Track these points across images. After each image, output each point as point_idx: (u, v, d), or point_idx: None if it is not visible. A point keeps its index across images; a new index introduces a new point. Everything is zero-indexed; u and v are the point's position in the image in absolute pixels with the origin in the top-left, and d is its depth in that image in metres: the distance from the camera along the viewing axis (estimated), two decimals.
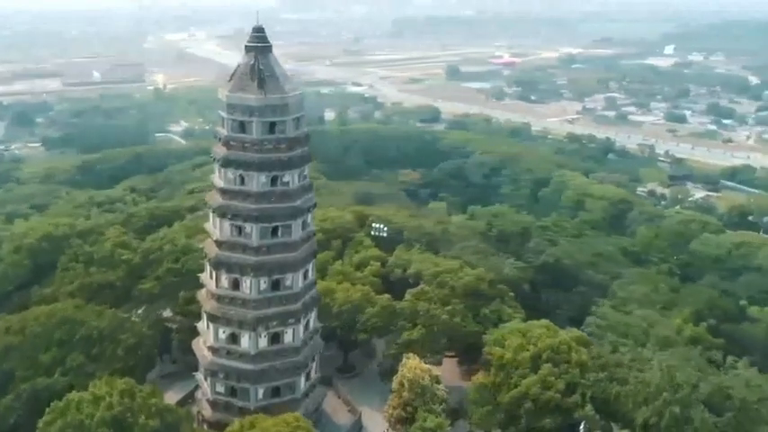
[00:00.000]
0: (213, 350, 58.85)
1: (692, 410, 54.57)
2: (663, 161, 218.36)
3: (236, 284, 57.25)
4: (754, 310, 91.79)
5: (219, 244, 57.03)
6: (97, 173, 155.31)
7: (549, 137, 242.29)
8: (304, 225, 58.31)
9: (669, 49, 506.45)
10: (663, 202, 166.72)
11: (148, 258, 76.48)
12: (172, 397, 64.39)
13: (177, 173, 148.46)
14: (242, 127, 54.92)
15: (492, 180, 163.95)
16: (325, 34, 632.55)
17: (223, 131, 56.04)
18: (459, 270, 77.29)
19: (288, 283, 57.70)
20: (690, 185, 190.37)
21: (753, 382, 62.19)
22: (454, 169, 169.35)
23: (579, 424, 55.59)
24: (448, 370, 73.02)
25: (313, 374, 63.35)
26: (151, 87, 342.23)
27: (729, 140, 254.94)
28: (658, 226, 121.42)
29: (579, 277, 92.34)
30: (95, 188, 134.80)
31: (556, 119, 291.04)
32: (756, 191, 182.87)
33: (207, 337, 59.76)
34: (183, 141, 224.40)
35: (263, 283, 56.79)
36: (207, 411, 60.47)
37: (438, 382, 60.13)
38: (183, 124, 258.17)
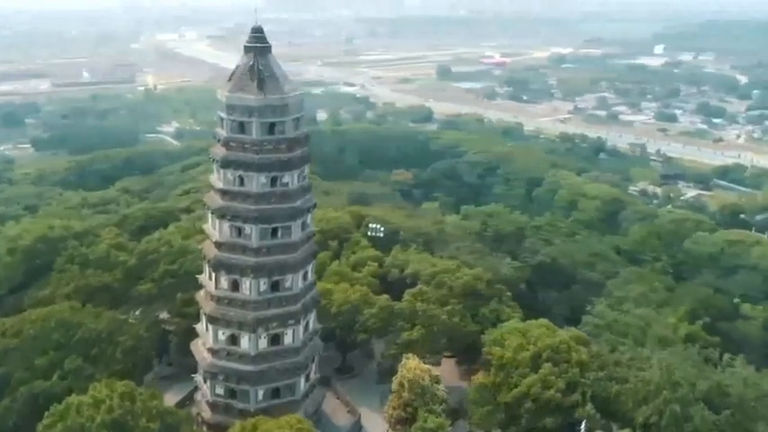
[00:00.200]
0: (213, 352, 58.52)
1: (692, 409, 54.87)
2: (654, 160, 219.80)
3: (235, 286, 56.97)
4: (747, 308, 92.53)
5: (219, 245, 56.76)
6: (89, 174, 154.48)
7: (542, 136, 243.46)
8: (304, 226, 58.15)
9: (659, 49, 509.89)
10: (655, 201, 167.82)
11: (145, 260, 75.91)
12: (170, 399, 63.86)
13: (170, 174, 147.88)
14: (241, 127, 54.66)
15: (485, 180, 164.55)
16: (316, 34, 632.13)
17: (222, 132, 55.76)
18: (457, 270, 77.26)
19: (288, 284, 57.49)
20: (681, 184, 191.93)
21: (750, 379, 62.57)
22: (447, 169, 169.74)
23: (579, 423, 55.67)
24: (446, 370, 72.94)
25: (312, 375, 63.21)
26: (141, 88, 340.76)
27: (720, 139, 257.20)
28: (652, 225, 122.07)
29: (575, 276, 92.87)
30: (88, 189, 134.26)
31: (548, 118, 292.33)
32: (747, 189, 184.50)
33: (206, 339, 59.44)
34: (174, 142, 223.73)
35: (263, 285, 56.55)
36: (206, 413, 60.17)
37: (438, 382, 60.01)
38: (175, 125, 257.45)
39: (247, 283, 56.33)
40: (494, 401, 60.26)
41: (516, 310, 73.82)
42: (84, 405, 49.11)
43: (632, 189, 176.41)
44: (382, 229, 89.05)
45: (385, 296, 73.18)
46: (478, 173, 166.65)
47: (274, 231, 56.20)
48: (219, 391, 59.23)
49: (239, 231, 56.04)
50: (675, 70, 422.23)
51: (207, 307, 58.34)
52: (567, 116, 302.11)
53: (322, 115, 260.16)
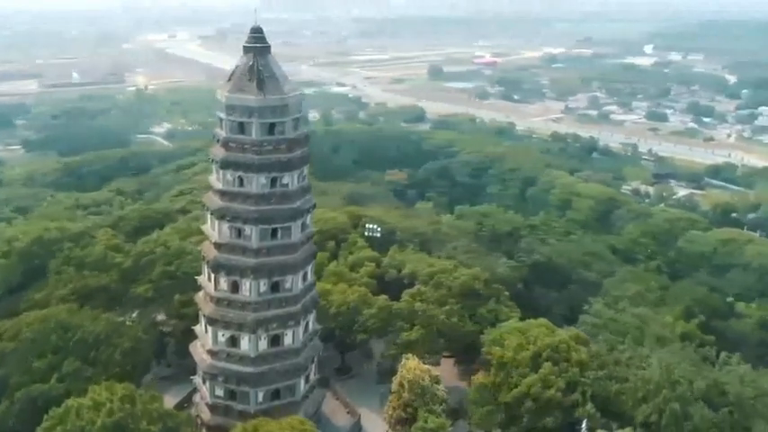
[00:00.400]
0: (212, 353, 58.25)
1: (692, 407, 55.15)
2: (646, 160, 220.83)
3: (235, 287, 56.75)
4: (741, 307, 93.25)
5: (218, 246, 56.52)
6: (81, 175, 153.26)
7: (534, 136, 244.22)
8: (303, 226, 58.01)
9: (648, 49, 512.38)
10: (647, 200, 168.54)
11: (141, 261, 75.51)
12: (168, 401, 63.33)
13: (163, 174, 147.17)
14: (241, 128, 54.45)
15: (479, 180, 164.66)
16: (308, 34, 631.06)
17: (222, 133, 55.51)
18: (454, 270, 77.36)
19: (287, 285, 57.33)
20: (673, 183, 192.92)
21: (747, 377, 63.01)
22: (441, 169, 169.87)
23: (579, 423, 55.81)
24: (445, 370, 72.83)
25: (312, 377, 63.07)
26: (132, 88, 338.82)
27: (711, 139, 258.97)
28: (646, 224, 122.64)
29: (571, 276, 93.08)
30: (80, 191, 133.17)
31: (540, 118, 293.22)
32: (739, 188, 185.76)
33: (205, 341, 59.16)
34: (165, 143, 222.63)
35: (263, 286, 56.37)
36: (206, 415, 59.89)
37: (438, 382, 60.03)
38: (166, 125, 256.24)
39: (247, 284, 56.12)
40: (494, 401, 60.33)
41: (514, 310, 73.94)
42: (83, 408, 48.90)
43: (625, 188, 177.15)
44: (379, 229, 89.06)
45: (384, 296, 73.11)
46: (472, 173, 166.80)
47: (274, 232, 56.03)
48: (219, 392, 58.99)
49: (239, 232, 55.81)
50: (665, 70, 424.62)
51: (206, 308, 58.08)
52: (558, 116, 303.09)
53: (314, 115, 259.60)
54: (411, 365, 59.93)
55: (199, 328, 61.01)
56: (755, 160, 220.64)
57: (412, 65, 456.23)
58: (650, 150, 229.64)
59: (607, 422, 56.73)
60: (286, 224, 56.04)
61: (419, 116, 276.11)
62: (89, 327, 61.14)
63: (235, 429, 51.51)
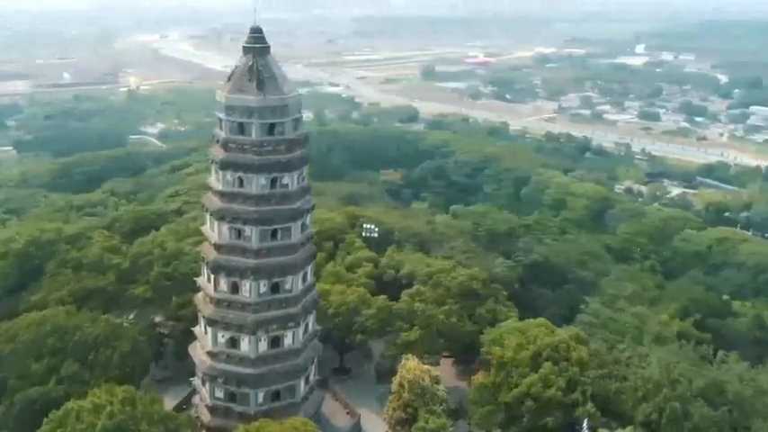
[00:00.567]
0: (212, 355, 58.04)
1: (691, 406, 55.33)
2: (639, 159, 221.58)
3: (235, 288, 56.57)
4: (737, 305, 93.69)
5: (218, 247, 56.31)
6: (74, 176, 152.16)
7: (528, 136, 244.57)
8: (303, 227, 57.89)
9: (640, 48, 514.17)
10: (640, 199, 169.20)
11: (138, 263, 75.31)
12: (167, 403, 62.88)
13: (157, 175, 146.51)
14: (241, 128, 54.27)
15: (473, 179, 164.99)
16: (300, 34, 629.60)
17: (221, 133, 55.30)
18: (452, 270, 77.39)
19: (287, 285, 57.20)
20: (666, 182, 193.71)
21: (745, 376, 63.36)
22: (435, 169, 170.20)
23: (579, 422, 55.92)
24: (444, 370, 72.80)
25: (312, 377, 62.94)
26: (124, 89, 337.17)
27: (703, 138, 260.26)
28: (640, 223, 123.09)
29: (567, 275, 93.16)
30: (73, 192, 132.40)
31: (533, 118, 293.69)
32: (732, 187, 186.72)
33: (205, 342, 58.94)
34: (158, 143, 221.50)
35: (263, 286, 56.22)
36: (206, 417, 59.67)
37: (438, 382, 59.95)
38: (159, 126, 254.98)
39: (247, 285, 55.96)
40: (494, 401, 60.30)
41: (512, 310, 74.04)
42: (83, 411, 48.62)
43: (618, 187, 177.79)
44: (376, 229, 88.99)
45: (382, 297, 73.04)
46: (467, 172, 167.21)
47: (274, 233, 55.90)
48: (219, 394, 58.79)
49: (239, 233, 55.63)
50: (657, 70, 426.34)
51: (206, 310, 57.85)
52: (551, 115, 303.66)
53: (307, 115, 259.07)
54: (411, 366, 59.84)
55: (198, 330, 60.79)
56: (748, 159, 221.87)
57: (405, 65, 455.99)
58: (643, 150, 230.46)
59: (607, 421, 56.79)
60: (286, 225, 55.93)
61: (412, 116, 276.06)
62: (87, 329, 60.77)
63: (236, 431, 51.32)
